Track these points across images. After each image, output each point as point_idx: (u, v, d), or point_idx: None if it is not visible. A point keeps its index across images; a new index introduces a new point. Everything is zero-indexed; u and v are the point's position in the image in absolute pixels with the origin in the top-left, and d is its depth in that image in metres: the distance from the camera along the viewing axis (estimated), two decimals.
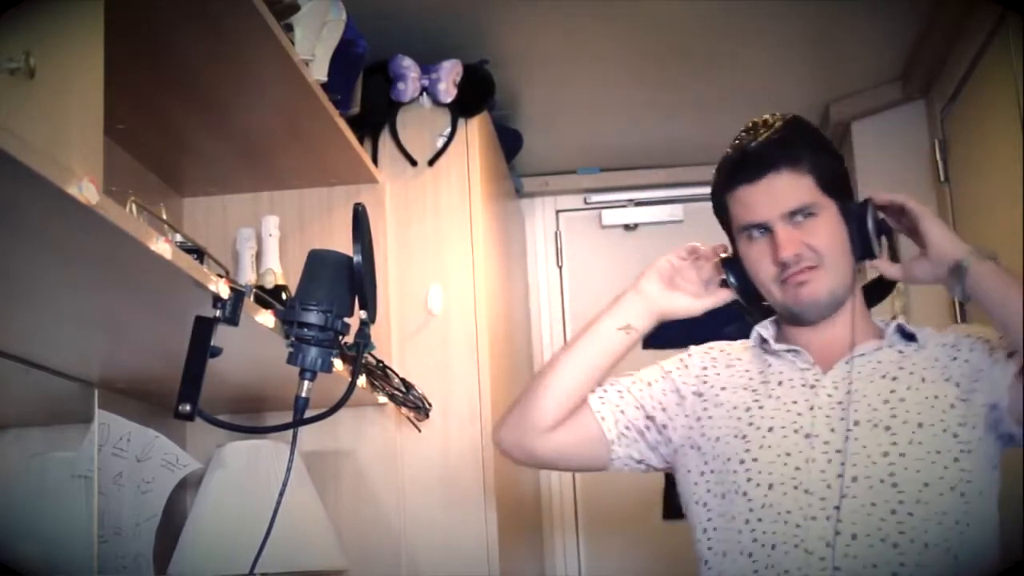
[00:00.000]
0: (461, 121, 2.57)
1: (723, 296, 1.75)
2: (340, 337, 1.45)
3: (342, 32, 2.16)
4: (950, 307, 2.93)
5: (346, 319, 1.45)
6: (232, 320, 1.38)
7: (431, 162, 2.55)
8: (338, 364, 1.58)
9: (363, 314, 1.48)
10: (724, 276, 1.73)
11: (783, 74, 2.99)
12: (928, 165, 3.03)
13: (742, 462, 1.62)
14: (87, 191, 1.05)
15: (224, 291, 1.38)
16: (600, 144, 3.47)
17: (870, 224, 1.64)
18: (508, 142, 3.08)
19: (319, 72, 2.09)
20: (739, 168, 1.67)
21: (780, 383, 1.67)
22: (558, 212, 3.73)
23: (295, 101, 2.02)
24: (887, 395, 1.60)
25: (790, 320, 1.70)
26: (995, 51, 2.49)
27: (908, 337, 1.67)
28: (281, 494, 1.45)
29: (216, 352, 1.37)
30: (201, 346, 1.36)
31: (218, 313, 1.37)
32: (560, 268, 3.70)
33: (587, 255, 3.71)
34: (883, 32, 2.79)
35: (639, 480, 3.49)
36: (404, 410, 2.34)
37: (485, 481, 2.41)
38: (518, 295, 3.25)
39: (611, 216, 3.72)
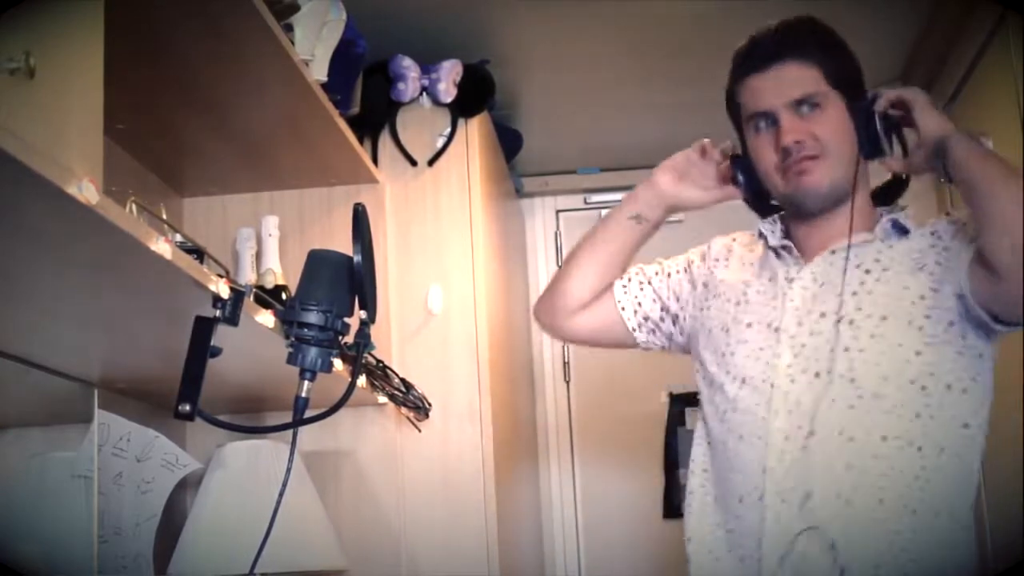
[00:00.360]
0: (461, 121, 2.57)
1: (731, 192, 1.80)
2: (340, 337, 1.45)
3: (342, 32, 2.16)
4: None
5: (346, 319, 1.45)
6: (232, 320, 1.38)
7: (431, 162, 2.55)
8: (338, 364, 1.58)
9: (363, 314, 1.48)
10: (733, 174, 1.77)
11: None
12: None
13: (723, 355, 1.69)
14: (87, 191, 1.05)
15: (224, 291, 1.38)
16: (600, 144, 3.47)
17: (877, 121, 1.64)
18: (508, 142, 3.08)
19: (319, 72, 2.09)
20: (748, 57, 1.71)
21: (770, 278, 1.71)
22: (558, 212, 3.73)
23: (295, 101, 2.02)
24: (857, 287, 1.62)
25: (792, 212, 1.72)
26: (995, 51, 2.49)
27: (901, 231, 1.67)
28: (281, 494, 1.45)
29: (216, 352, 1.36)
30: (201, 346, 1.36)
31: (218, 313, 1.37)
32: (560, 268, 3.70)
33: None
34: (883, 32, 2.78)
35: (639, 480, 3.50)
36: (404, 410, 2.34)
37: (485, 481, 2.41)
38: (518, 295, 3.25)
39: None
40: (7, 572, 1.59)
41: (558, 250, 3.69)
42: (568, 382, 3.61)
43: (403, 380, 2.26)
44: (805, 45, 1.68)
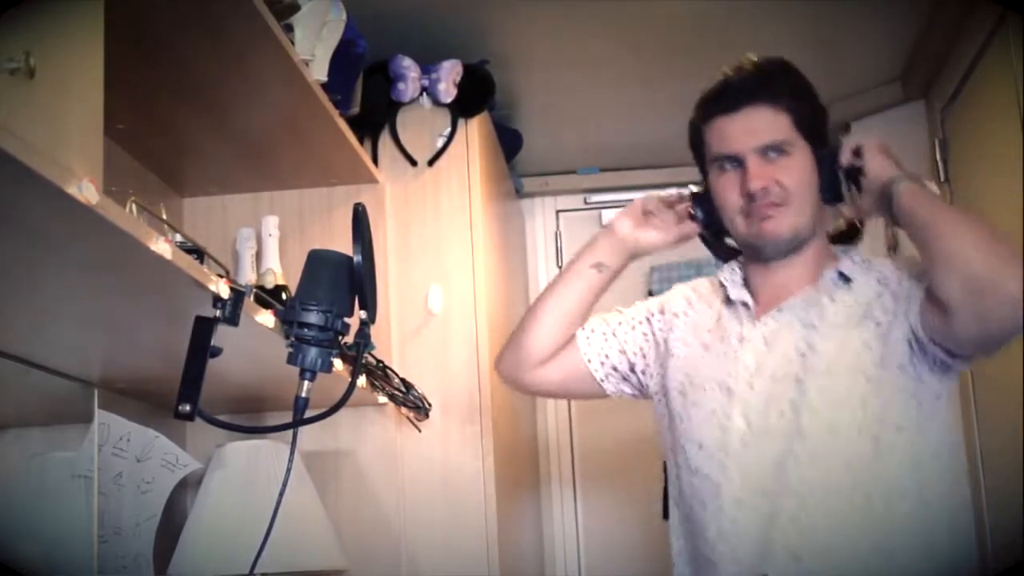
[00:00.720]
0: (461, 121, 2.57)
1: (690, 230, 1.80)
2: (340, 337, 1.45)
3: (342, 32, 2.16)
4: None
5: (346, 319, 1.45)
6: (232, 320, 1.38)
7: (431, 162, 2.55)
8: (338, 364, 1.58)
9: (363, 314, 1.48)
10: (692, 211, 1.78)
11: None
12: (928, 165, 3.02)
13: (681, 419, 1.70)
14: (87, 191, 1.05)
15: (224, 291, 1.38)
16: (600, 144, 3.47)
17: (840, 169, 1.65)
18: (508, 142, 3.08)
19: (319, 72, 2.09)
20: (719, 99, 1.71)
21: (722, 337, 1.71)
22: (558, 212, 3.73)
23: (295, 101, 2.02)
24: (803, 346, 1.63)
25: (750, 255, 1.73)
26: (995, 51, 2.49)
27: (846, 280, 1.67)
28: (281, 494, 1.45)
29: (216, 352, 1.36)
30: (201, 346, 1.36)
31: (218, 313, 1.37)
32: (560, 268, 3.70)
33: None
34: (883, 32, 2.79)
35: (639, 480, 3.50)
36: (404, 410, 2.34)
37: (485, 481, 2.41)
38: (518, 295, 3.25)
39: (611, 216, 3.71)
40: (7, 572, 1.59)
41: (558, 250, 3.70)
42: None
43: (403, 380, 2.26)
44: (777, 90, 1.67)
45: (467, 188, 2.55)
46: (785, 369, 1.62)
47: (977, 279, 1.44)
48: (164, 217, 1.56)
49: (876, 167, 1.60)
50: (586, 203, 3.73)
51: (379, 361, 2.15)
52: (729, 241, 1.78)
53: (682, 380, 1.72)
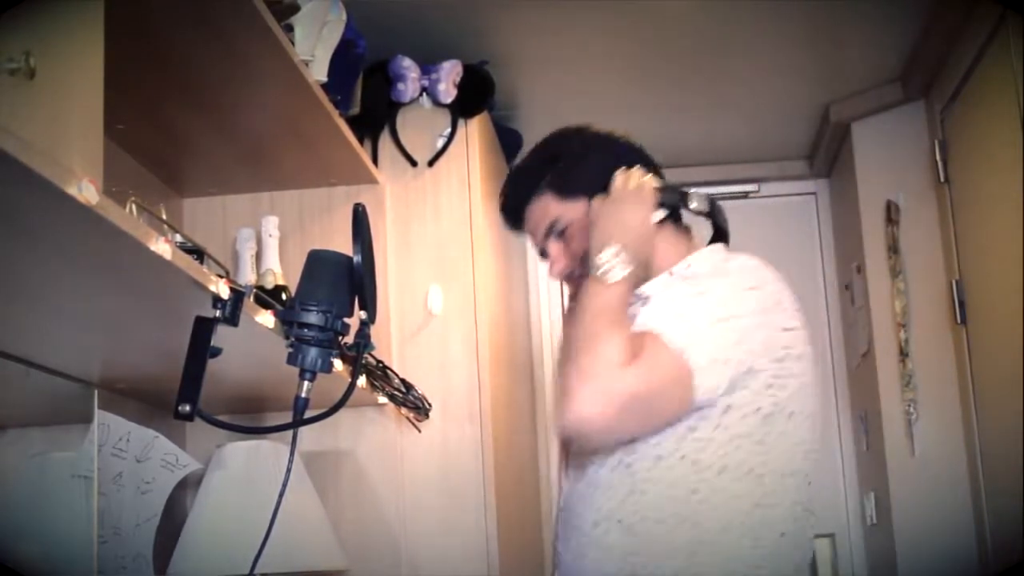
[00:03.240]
0: (461, 121, 2.57)
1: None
2: (340, 337, 1.45)
3: (342, 32, 2.16)
4: (949, 310, 2.93)
5: (346, 319, 1.45)
6: (232, 320, 1.38)
7: (431, 162, 2.55)
8: (338, 364, 1.58)
9: (363, 314, 1.48)
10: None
11: (783, 74, 2.99)
12: (928, 165, 3.03)
13: None
14: (87, 191, 1.05)
15: (224, 291, 1.38)
16: None
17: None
18: (508, 142, 3.08)
19: (319, 72, 2.09)
20: (506, 224, 1.76)
21: None
22: None
23: (295, 101, 2.02)
24: None
25: None
26: (995, 51, 2.49)
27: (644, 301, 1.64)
28: (281, 494, 1.45)
29: (216, 352, 1.36)
30: (201, 346, 1.36)
31: (218, 313, 1.37)
32: None
33: None
34: (883, 32, 2.79)
35: None
36: (404, 410, 2.34)
37: (485, 481, 2.41)
38: (518, 295, 3.25)
39: None
40: (7, 572, 1.59)
41: None
42: None
43: (403, 380, 2.26)
44: (529, 182, 1.70)
45: (467, 188, 2.55)
46: None
47: (565, 383, 1.47)
48: (164, 217, 1.56)
49: (598, 238, 1.57)
50: None
51: (379, 361, 2.15)
52: None
53: None
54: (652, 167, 1.70)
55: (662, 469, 1.50)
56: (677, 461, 1.49)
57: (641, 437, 1.50)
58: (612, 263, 1.53)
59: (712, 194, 1.73)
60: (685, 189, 1.66)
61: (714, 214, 1.68)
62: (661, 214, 1.62)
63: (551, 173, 1.68)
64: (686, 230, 1.69)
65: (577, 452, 1.61)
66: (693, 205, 1.65)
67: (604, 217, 1.59)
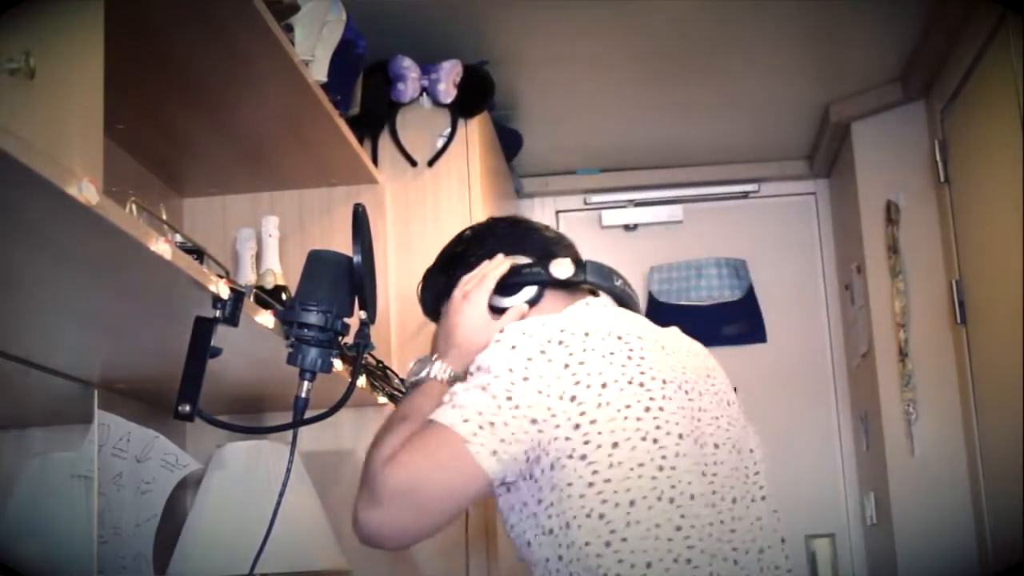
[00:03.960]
0: (461, 121, 2.58)
1: None
2: (340, 337, 1.45)
3: (342, 32, 2.16)
4: (949, 310, 2.93)
5: (346, 319, 1.45)
6: (232, 320, 1.38)
7: (431, 162, 2.56)
8: (338, 364, 1.58)
9: (363, 314, 1.48)
10: None
11: (783, 74, 2.99)
12: (928, 165, 3.03)
13: None
14: (87, 192, 1.05)
15: (224, 291, 1.38)
16: (600, 144, 3.47)
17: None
18: (508, 142, 3.08)
19: (319, 72, 2.09)
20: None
21: None
22: (558, 213, 3.73)
23: (295, 101, 2.02)
24: None
25: None
26: (995, 51, 2.49)
27: None
28: (281, 494, 1.45)
29: (216, 352, 1.37)
30: (201, 346, 1.36)
31: (218, 313, 1.38)
32: None
33: (587, 256, 3.71)
34: (883, 32, 2.79)
35: None
36: None
37: None
38: None
39: (611, 217, 3.71)
40: (7, 572, 1.59)
41: None
42: None
43: (403, 380, 2.26)
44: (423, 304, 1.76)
45: (467, 188, 2.55)
46: None
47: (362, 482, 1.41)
48: (164, 217, 1.56)
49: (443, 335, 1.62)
50: (586, 204, 3.74)
51: (379, 361, 2.15)
52: None
53: None
54: (532, 245, 1.71)
55: (557, 554, 1.42)
56: (560, 531, 1.42)
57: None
58: (415, 369, 1.59)
59: (609, 267, 1.78)
60: (559, 259, 1.68)
61: (589, 280, 1.69)
62: (519, 299, 1.63)
63: (424, 296, 1.76)
64: (581, 292, 1.69)
65: None
66: (556, 273, 1.66)
67: (438, 329, 1.66)
